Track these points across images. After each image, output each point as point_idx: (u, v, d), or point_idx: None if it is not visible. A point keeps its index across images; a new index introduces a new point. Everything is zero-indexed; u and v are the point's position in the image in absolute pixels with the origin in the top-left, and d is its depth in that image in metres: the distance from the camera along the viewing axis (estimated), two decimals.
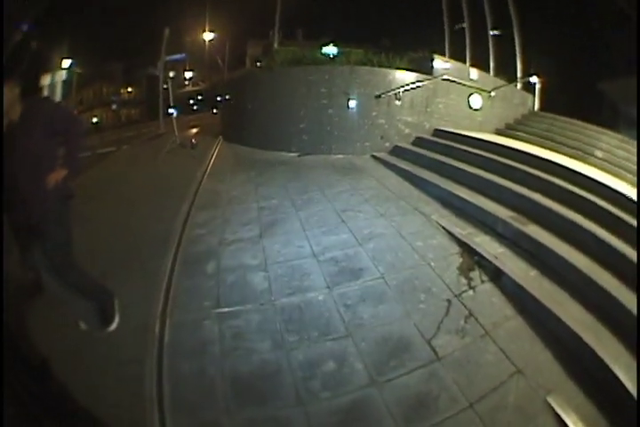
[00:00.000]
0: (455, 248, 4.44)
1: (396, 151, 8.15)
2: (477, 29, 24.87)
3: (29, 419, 2.32)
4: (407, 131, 8.51)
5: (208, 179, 7.39)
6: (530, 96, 12.28)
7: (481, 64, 21.73)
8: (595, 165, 7.35)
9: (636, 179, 6.87)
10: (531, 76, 17.70)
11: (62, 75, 9.30)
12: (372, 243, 4.49)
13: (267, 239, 4.71)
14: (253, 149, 9.33)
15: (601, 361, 2.94)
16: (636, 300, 3.27)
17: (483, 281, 3.90)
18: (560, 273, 3.92)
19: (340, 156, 8.26)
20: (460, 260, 4.22)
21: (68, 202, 3.15)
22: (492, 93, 9.98)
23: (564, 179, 5.49)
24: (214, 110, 43.61)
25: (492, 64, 22.43)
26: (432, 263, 4.10)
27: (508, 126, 10.55)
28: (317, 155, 8.34)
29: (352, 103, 8.34)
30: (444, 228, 4.84)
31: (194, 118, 15.31)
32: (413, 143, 8.39)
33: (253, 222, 5.21)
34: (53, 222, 3.05)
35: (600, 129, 10.06)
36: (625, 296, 3.41)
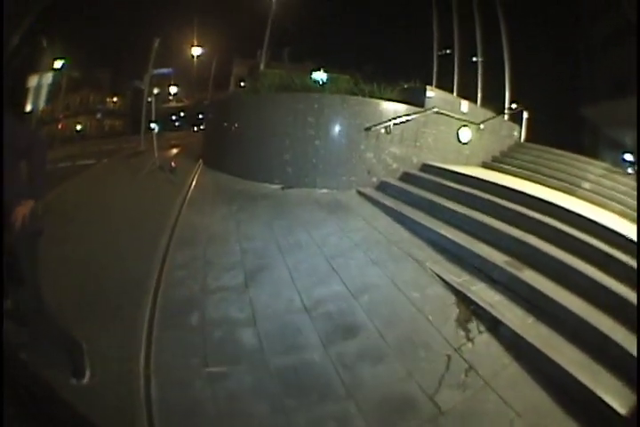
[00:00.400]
0: (451, 298, 4.30)
1: (383, 187, 7.95)
2: (464, 57, 25.28)
3: (29, 419, 2.12)
4: (395, 165, 8.31)
5: (187, 209, 7.09)
6: (516, 126, 12.26)
7: (467, 92, 22.09)
8: (583, 198, 7.38)
9: (625, 209, 6.99)
10: (514, 102, 17.96)
11: (50, 77, 9.09)
12: (367, 295, 4.27)
13: (253, 289, 4.41)
14: (234, 177, 9.08)
15: (600, 400, 2.97)
16: (635, 341, 3.32)
17: (480, 331, 3.82)
18: (556, 317, 3.91)
19: (325, 190, 8.01)
20: (457, 310, 4.09)
21: (37, 239, 2.89)
22: (482, 126, 9.90)
23: (556, 218, 5.51)
24: (195, 128, 43.65)
25: (479, 93, 22.81)
26: (430, 316, 3.95)
27: (495, 159, 10.51)
28: (301, 188, 8.06)
29: (340, 135, 8.12)
30: (438, 276, 4.68)
31: (175, 136, 15.09)
32: (401, 179, 8.21)
33: (237, 267, 4.89)
34: (20, 261, 2.78)
35: (585, 159, 10.18)
36: (621, 336, 3.47)
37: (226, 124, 9.97)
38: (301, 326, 3.78)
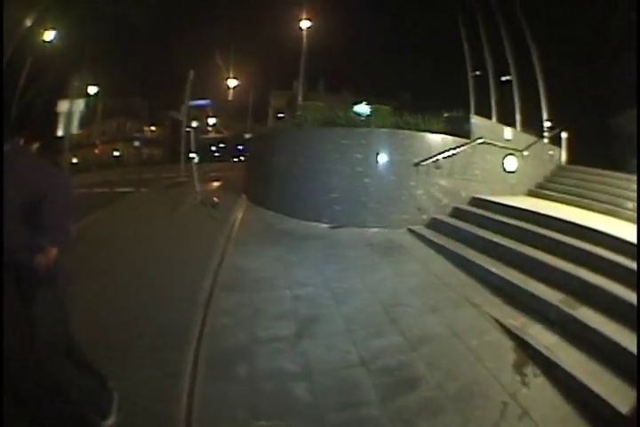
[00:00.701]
0: (509, 343, 4.10)
1: (434, 224, 7.71)
2: (496, 77, 25.01)
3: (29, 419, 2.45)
4: (445, 201, 8.06)
5: (232, 249, 6.89)
6: (556, 148, 11.87)
7: (503, 114, 21.71)
8: (629, 219, 6.98)
9: None
10: (549, 121, 17.49)
11: (81, 103, 9.11)
12: (427, 346, 4.03)
13: (307, 341, 4.12)
14: (280, 215, 8.91)
15: None
16: None
17: (535, 375, 3.66)
18: (607, 355, 3.72)
19: (375, 229, 7.76)
20: (515, 355, 3.90)
21: (67, 289, 2.75)
22: (525, 153, 9.59)
23: (605, 246, 5.25)
24: (235, 159, 44.37)
25: (517, 116, 22.39)
26: (488, 364, 3.74)
27: (539, 186, 10.18)
28: (351, 227, 7.83)
29: (389, 171, 7.95)
30: (496, 320, 4.48)
31: (215, 168, 14.97)
32: (451, 215, 7.95)
33: (288, 316, 4.63)
34: (48, 312, 2.61)
35: (627, 176, 9.55)
36: None
37: (269, 159, 9.89)
38: (359, 382, 3.54)
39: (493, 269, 5.50)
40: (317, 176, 8.39)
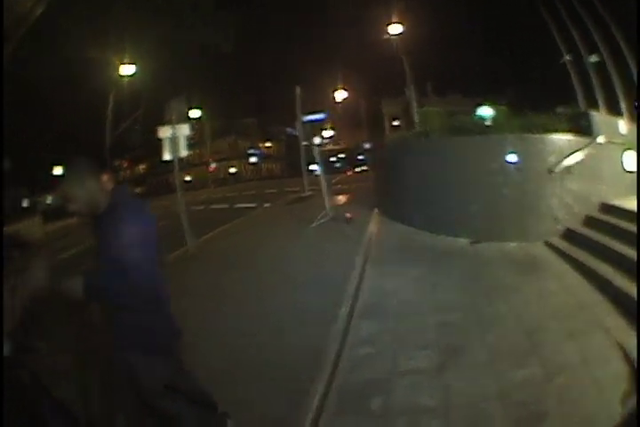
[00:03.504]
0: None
1: (570, 236, 7.36)
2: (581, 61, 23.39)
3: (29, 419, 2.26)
4: (576, 208, 7.68)
5: (369, 270, 6.92)
6: None
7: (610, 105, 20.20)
8: None
9: None
10: None
11: (185, 127, 9.63)
12: (562, 377, 3.83)
13: (449, 373, 3.95)
14: (416, 230, 8.87)
15: None
16: None
17: None
18: None
19: (514, 244, 7.50)
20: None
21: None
22: None
23: None
24: (357, 169, 45.26)
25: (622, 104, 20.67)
26: (607, 396, 3.47)
27: None
28: (490, 242, 7.63)
29: (525, 180, 7.73)
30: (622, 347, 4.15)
31: (339, 180, 14.86)
32: (585, 224, 7.50)
33: (432, 346, 4.45)
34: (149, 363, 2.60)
35: None
36: None
37: (398, 171, 9.93)
38: (493, 415, 3.38)
39: (624, 289, 5.13)
40: (452, 188, 8.34)
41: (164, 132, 9.39)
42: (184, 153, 9.68)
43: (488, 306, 5.37)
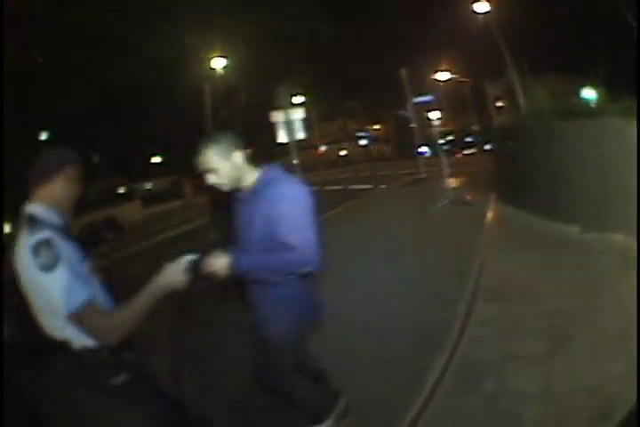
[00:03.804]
0: None
1: None
2: None
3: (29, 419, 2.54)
4: None
5: (492, 254, 7.03)
6: None
7: None
8: None
9: None
10: None
11: (299, 111, 10.10)
12: None
13: (556, 360, 3.90)
14: (532, 217, 8.72)
15: None
16: None
17: None
18: None
19: (621, 237, 6.87)
20: None
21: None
22: None
23: None
24: (466, 151, 44.51)
25: None
26: None
27: None
28: (601, 233, 7.18)
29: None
30: None
31: (450, 162, 14.70)
32: None
33: (545, 332, 4.41)
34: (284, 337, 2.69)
35: None
36: None
37: (510, 155, 9.85)
38: (579, 408, 3.24)
39: None
40: (568, 175, 8.10)
41: (278, 117, 10.00)
42: (301, 135, 10.25)
43: (597, 298, 5.14)
